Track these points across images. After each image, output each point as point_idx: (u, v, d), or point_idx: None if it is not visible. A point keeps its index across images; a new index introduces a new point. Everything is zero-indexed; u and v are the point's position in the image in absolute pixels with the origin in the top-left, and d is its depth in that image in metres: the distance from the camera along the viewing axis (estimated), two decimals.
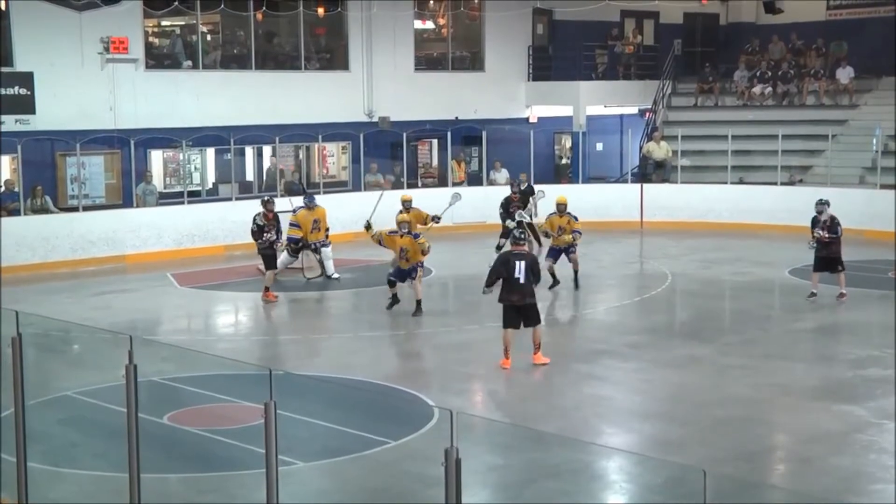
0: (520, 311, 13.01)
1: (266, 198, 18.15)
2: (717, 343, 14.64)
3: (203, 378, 12.42)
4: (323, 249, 18.76)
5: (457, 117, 27.53)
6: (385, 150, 26.51)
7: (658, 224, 25.36)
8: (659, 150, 27.10)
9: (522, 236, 13.57)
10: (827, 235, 16.71)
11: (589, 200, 26.12)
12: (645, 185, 26.35)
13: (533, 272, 13.01)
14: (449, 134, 26.07)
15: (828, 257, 16.83)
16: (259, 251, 17.71)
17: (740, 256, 20.90)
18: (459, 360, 13.79)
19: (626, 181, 27.52)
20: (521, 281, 12.88)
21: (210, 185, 24.78)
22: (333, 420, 10.77)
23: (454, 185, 25.35)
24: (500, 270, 13.05)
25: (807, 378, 12.75)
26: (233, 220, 22.40)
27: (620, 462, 9.86)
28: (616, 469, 9.81)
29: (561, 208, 17.90)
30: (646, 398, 12.13)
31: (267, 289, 17.29)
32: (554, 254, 17.85)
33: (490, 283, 13.34)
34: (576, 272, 17.87)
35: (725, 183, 25.88)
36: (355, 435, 10.41)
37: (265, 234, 17.44)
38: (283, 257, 18.54)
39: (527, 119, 29.45)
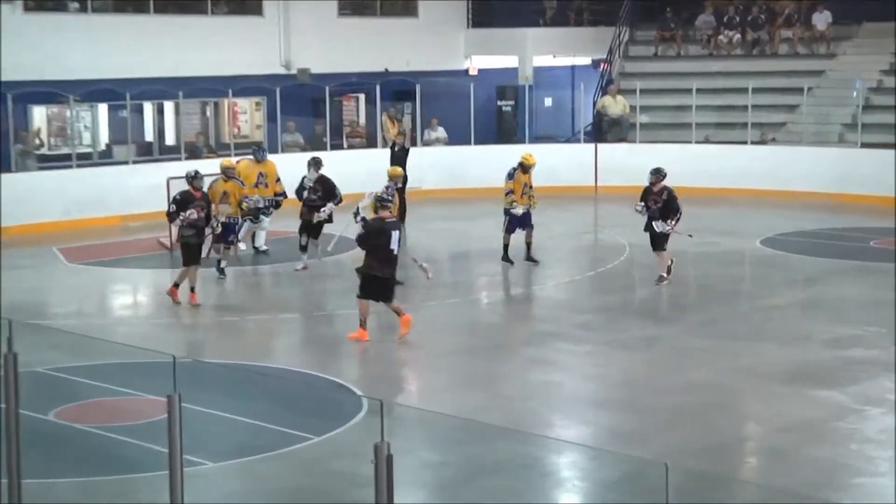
0: (384, 283, 13.40)
1: (193, 172, 15.81)
2: (680, 323, 14.77)
3: (96, 368, 12.28)
4: (262, 217, 18.37)
5: (386, 69, 27.42)
6: (305, 106, 26.32)
7: (614, 189, 25.47)
8: (615, 105, 27.21)
9: (390, 199, 13.73)
10: (672, 225, 16.28)
11: (538, 162, 26.21)
12: (599, 146, 26.45)
13: (400, 242, 13.56)
14: (378, 88, 25.94)
15: (658, 234, 16.41)
16: (181, 240, 15.74)
17: (706, 225, 21.05)
18: (391, 344, 13.76)
19: (578, 141, 27.62)
20: (395, 252, 13.39)
21: (103, 147, 24.45)
22: (247, 414, 10.72)
23: (390, 144, 25.22)
24: (375, 238, 13.29)
25: (780, 360, 12.90)
26: (131, 186, 22.14)
27: (573, 457, 9.93)
28: (568, 464, 9.87)
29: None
30: (600, 385, 12.19)
31: (192, 289, 15.46)
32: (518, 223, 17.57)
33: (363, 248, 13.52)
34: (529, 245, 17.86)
35: (689, 142, 26.07)
36: (272, 430, 10.37)
37: (186, 213, 15.36)
38: (246, 225, 18.15)
39: (466, 71, 29.40)
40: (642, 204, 16.56)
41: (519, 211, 17.43)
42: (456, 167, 25.60)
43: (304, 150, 24.79)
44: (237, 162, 18.90)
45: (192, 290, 15.48)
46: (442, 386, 12.30)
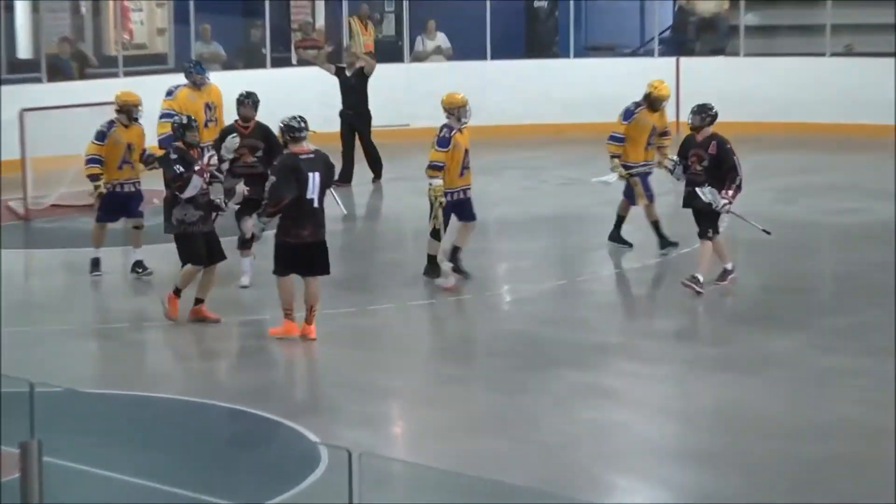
0: (308, 251, 13.55)
1: (185, 119, 15.11)
2: (808, 331, 14.75)
3: None
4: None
5: None
6: (231, 1, 26.38)
7: None
8: None
9: (303, 127, 13.55)
10: (729, 198, 15.49)
11: (588, 86, 26.19)
12: (683, 60, 26.46)
13: (324, 189, 13.61)
14: None
15: (701, 211, 15.71)
16: (182, 229, 14.72)
17: (846, 182, 21.07)
18: (363, 362, 13.79)
19: (650, 53, 27.62)
20: (316, 204, 13.46)
21: None
22: (146, 472, 10.66)
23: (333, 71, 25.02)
24: (290, 185, 13.29)
25: None
26: None
27: None
28: None
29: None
30: (684, 426, 12.25)
31: (200, 301, 14.78)
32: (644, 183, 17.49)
33: (275, 212, 13.49)
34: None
35: (822, 55, 26.05)
36: (185, 497, 10.33)
37: (205, 159, 14.70)
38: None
39: None
40: (674, 160, 16.13)
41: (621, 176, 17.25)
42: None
43: (228, 67, 24.77)
44: (171, 93, 18.33)
45: (201, 301, 14.68)
46: (441, 427, 12.27)
